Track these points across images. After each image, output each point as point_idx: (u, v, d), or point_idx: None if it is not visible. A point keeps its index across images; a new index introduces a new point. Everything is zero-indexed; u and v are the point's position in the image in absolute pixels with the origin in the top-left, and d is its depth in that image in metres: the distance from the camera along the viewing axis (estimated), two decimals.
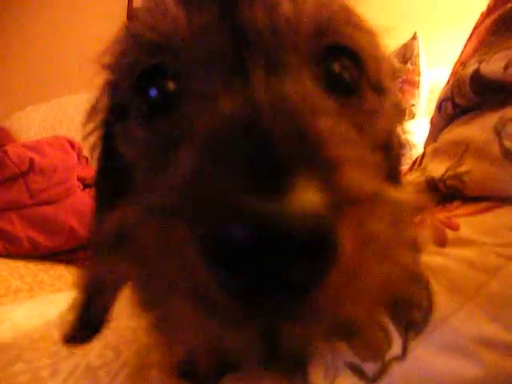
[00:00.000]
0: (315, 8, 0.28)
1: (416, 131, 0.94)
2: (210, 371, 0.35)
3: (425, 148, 0.60)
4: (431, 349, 0.34)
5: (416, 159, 0.57)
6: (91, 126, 0.38)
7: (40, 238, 1.13)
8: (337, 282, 0.19)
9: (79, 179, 1.35)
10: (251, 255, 0.17)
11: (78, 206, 1.21)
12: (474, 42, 0.50)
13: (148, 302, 0.23)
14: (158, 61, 0.29)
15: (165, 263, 0.21)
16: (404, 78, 1.11)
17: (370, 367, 0.35)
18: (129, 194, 0.32)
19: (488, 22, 0.49)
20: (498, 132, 0.40)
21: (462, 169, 0.42)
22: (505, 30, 0.44)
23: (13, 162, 1.13)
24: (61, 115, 1.90)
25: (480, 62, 0.45)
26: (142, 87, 0.30)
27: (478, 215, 0.39)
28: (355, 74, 0.30)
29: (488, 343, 0.33)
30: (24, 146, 1.21)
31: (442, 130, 0.53)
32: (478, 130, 0.43)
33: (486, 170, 0.40)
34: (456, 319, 0.34)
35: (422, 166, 0.51)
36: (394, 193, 0.23)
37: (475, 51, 0.48)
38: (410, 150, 0.92)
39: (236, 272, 0.18)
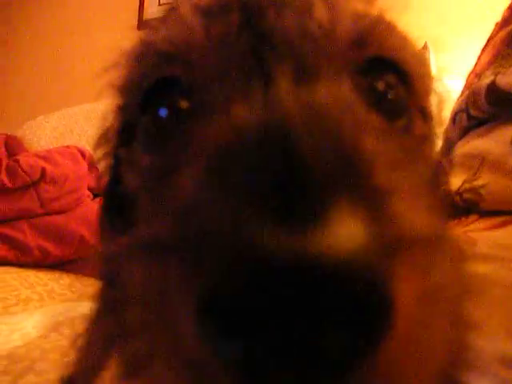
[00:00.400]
0: (354, 14, 0.23)
1: None
2: None
3: None
4: None
5: None
6: (100, 153, 0.34)
7: (50, 247, 1.13)
8: (391, 354, 0.13)
9: (89, 189, 1.35)
10: (271, 317, 0.12)
11: (88, 216, 1.21)
12: (489, 54, 0.50)
13: (130, 369, 0.17)
14: (170, 73, 0.24)
15: (148, 317, 0.16)
16: None
17: None
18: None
19: (503, 33, 0.48)
20: None
21: (479, 182, 0.42)
22: None
23: (24, 172, 1.14)
24: (71, 124, 1.91)
25: (496, 74, 0.45)
26: (150, 104, 0.25)
27: (495, 230, 0.38)
28: (403, 93, 0.24)
29: (506, 361, 0.33)
30: (35, 155, 1.22)
31: (456, 142, 0.53)
32: (494, 142, 0.42)
33: (503, 183, 0.39)
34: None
35: None
36: (452, 232, 0.19)
37: (490, 63, 0.48)
38: None
39: (247, 340, 0.12)
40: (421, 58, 0.27)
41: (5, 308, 0.91)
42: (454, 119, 0.53)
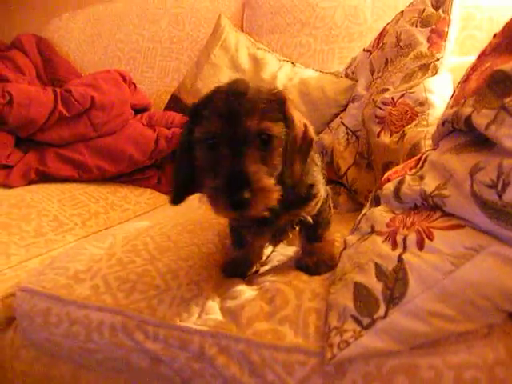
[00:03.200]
0: (257, 116, 0.59)
1: (437, 90, 1.05)
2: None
3: (431, 147, 0.75)
4: (402, 315, 0.56)
5: (420, 157, 0.73)
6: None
7: (106, 165, 1.35)
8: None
9: (131, 107, 1.51)
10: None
11: (133, 135, 1.40)
12: (476, 81, 0.62)
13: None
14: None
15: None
16: (433, 27, 1.14)
17: (365, 320, 0.58)
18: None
19: (489, 68, 0.60)
20: (472, 175, 0.56)
21: (445, 192, 0.59)
22: (495, 89, 0.57)
23: (77, 101, 1.29)
24: (99, 27, 1.96)
25: (473, 109, 0.59)
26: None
27: (448, 231, 0.58)
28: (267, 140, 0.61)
29: (436, 314, 0.56)
30: (84, 84, 1.36)
31: (443, 137, 0.68)
32: (461, 165, 0.58)
33: (459, 200, 0.57)
34: (419, 299, 0.56)
35: (421, 172, 0.68)
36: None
37: (474, 92, 0.61)
38: (428, 109, 1.05)
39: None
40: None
41: (83, 222, 1.17)
42: (443, 124, 0.68)
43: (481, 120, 0.57)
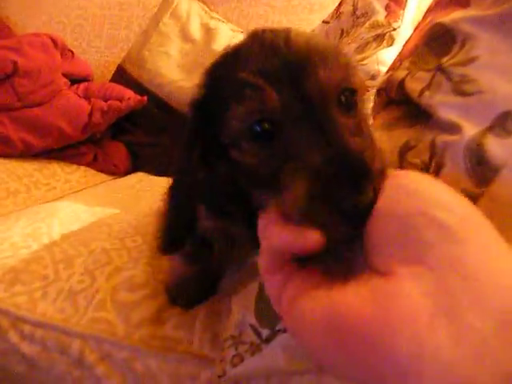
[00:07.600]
0: (340, 74, 0.36)
1: (391, 62, 0.94)
2: None
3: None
4: None
5: None
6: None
7: (32, 140, 1.20)
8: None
9: (66, 75, 1.36)
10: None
11: (65, 107, 1.25)
12: (414, 39, 0.52)
13: None
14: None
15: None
16: None
17: (264, 331, 0.48)
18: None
19: (428, 24, 0.49)
20: (402, 155, 0.45)
21: None
22: (433, 47, 0.46)
23: None
24: None
25: (408, 71, 0.48)
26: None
27: None
28: (352, 98, 0.38)
29: None
30: (4, 46, 1.20)
31: (379, 111, 0.58)
32: (390, 144, 0.48)
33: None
34: None
35: None
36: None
37: (411, 52, 0.50)
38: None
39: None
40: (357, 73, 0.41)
41: None
42: (378, 94, 0.57)
43: (414, 85, 0.47)
